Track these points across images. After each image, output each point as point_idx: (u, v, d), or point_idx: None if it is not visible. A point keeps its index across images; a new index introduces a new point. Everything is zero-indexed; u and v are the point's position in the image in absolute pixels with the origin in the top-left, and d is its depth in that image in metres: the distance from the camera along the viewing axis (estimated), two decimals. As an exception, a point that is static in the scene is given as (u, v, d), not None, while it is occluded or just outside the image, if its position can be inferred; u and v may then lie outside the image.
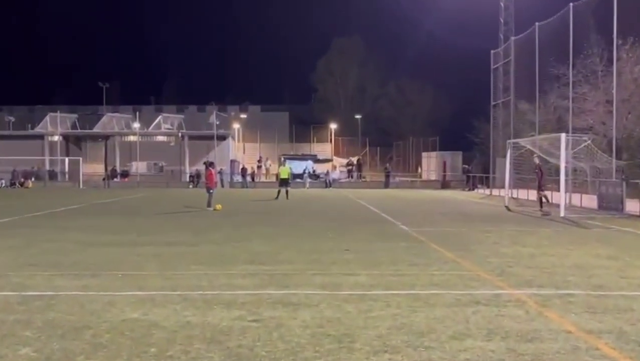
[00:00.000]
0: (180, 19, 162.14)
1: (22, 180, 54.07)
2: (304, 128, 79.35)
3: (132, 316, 7.45)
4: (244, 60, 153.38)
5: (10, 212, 24.08)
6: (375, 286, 9.28)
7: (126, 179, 58.42)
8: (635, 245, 14.65)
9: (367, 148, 77.65)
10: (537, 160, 27.04)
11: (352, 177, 60.61)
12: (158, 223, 19.74)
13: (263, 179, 60.01)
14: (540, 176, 25.85)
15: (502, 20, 47.07)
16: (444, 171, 56.77)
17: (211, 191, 25.94)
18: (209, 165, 27.70)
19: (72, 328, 6.94)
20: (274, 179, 54.64)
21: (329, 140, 77.46)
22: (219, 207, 25.53)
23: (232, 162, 62.94)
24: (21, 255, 12.45)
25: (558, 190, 25.32)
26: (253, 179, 57.40)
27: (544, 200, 25.42)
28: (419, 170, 67.57)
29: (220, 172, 55.28)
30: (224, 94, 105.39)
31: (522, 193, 32.95)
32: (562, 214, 22.89)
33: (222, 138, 63.59)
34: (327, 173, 56.64)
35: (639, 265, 11.55)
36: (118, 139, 64.86)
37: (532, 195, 28.39)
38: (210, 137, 60.92)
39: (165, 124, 67.09)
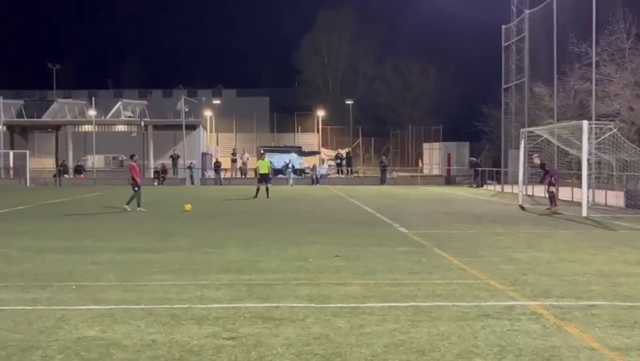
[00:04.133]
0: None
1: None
2: (287, 115, 79.28)
3: (88, 334, 7.43)
4: (216, 37, 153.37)
5: (-55, 214, 23.94)
6: (370, 298, 9.31)
7: (81, 175, 58.15)
8: (668, 249, 14.75)
9: (360, 139, 77.69)
10: (537, 160, 27.24)
11: (342, 172, 60.65)
12: (118, 227, 19.67)
13: (239, 175, 59.92)
14: (545, 173, 26.10)
15: (514, -9, 47.11)
16: (449, 165, 56.91)
17: (136, 189, 25.70)
18: (131, 157, 27.40)
19: (18, 348, 6.92)
20: (252, 175, 54.64)
21: (316, 129, 77.41)
22: (188, 207, 25.49)
23: (204, 155, 62.83)
24: (-42, 264, 12.40)
25: (579, 186, 25.46)
26: (244, 174, 57.58)
27: (553, 196, 25.63)
28: (420, 163, 67.75)
29: (190, 167, 55.24)
30: (193, 76, 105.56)
31: (538, 190, 33.10)
32: (584, 214, 23.01)
33: (192, 127, 63.44)
34: (314, 168, 56.63)
35: (672, 271, 11.64)
36: (71, 129, 64.48)
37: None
38: (178, 127, 60.75)
39: (126, 111, 66.82)
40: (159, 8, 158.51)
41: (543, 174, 26.63)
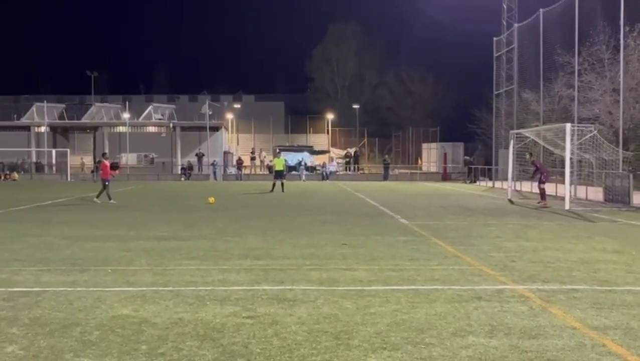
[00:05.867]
0: (171, 6, 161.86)
1: (8, 172, 53.96)
2: (300, 118, 79.35)
3: (122, 313, 7.45)
4: (237, 48, 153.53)
5: (-5, 205, 24.02)
6: (374, 282, 9.29)
7: (116, 172, 58.13)
8: (643, 239, 14.67)
9: (365, 139, 77.67)
10: (528, 156, 27.33)
11: (349, 169, 60.60)
12: (148, 217, 19.72)
13: (258, 172, 60.00)
14: (535, 170, 26.08)
15: (505, 6, 46.94)
16: (445, 163, 56.79)
17: (107, 183, 25.79)
18: (102, 155, 27.69)
19: (60, 325, 6.95)
20: (268, 171, 54.71)
21: (326, 131, 77.40)
22: (211, 200, 25.52)
23: (226, 153, 62.93)
24: (7, 250, 12.43)
25: (562, 182, 25.38)
26: (270, 170, 57.68)
27: (543, 192, 25.52)
28: (419, 161, 67.60)
29: (213, 164, 55.32)
30: (216, 83, 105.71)
31: (526, 186, 33.00)
32: (566, 207, 22.93)
33: (215, 129, 63.54)
34: (324, 166, 56.61)
35: (646, 259, 11.58)
36: (107, 130, 64.68)
37: (536, 187, 28.47)
38: (203, 128, 60.87)
39: (156, 114, 66.99)
40: (186, 22, 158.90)
41: (533, 171, 26.56)
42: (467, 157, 55.08)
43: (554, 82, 38.98)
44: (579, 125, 28.65)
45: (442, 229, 16.33)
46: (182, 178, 53.81)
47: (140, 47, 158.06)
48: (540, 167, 26.40)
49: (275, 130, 76.06)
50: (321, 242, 13.68)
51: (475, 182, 47.66)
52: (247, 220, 18.79)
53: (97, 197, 25.64)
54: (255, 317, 7.26)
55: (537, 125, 35.87)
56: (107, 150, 61.84)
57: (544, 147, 30.69)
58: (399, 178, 56.16)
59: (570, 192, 24.66)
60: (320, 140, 75.68)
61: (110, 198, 25.38)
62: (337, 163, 62.68)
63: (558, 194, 28.08)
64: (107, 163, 26.50)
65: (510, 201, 27.67)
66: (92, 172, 55.61)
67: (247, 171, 57.87)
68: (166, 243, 13.49)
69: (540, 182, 25.51)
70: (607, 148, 27.00)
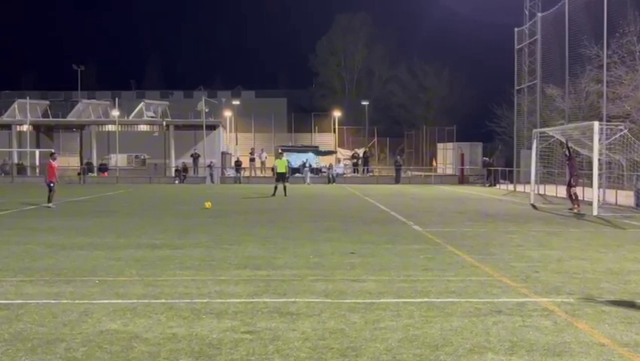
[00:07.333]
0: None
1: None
2: (304, 116, 79.40)
3: (110, 328, 7.47)
4: (235, 39, 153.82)
5: (-27, 210, 24.09)
6: (384, 294, 9.29)
7: (105, 174, 58.43)
8: (677, 248, 14.64)
9: (376, 139, 77.60)
10: (567, 152, 27.03)
11: (358, 171, 60.61)
12: (140, 224, 19.74)
13: (258, 173, 60.03)
14: (568, 160, 25.73)
15: (527, -6, 46.94)
16: (462, 164, 56.76)
17: (51, 185, 25.90)
18: (50, 156, 27.82)
19: (43, 340, 6.96)
20: (269, 173, 54.75)
21: (332, 129, 77.39)
22: (208, 204, 25.56)
23: (224, 154, 63.00)
24: (-14, 259, 12.48)
25: (590, 185, 25.33)
26: (275, 173, 57.70)
27: (576, 196, 25.32)
28: (434, 163, 67.57)
29: (210, 166, 55.38)
30: (213, 78, 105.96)
31: (550, 190, 32.95)
32: (594, 213, 22.88)
33: (212, 127, 63.62)
34: (330, 167, 56.63)
35: (682, 269, 11.55)
36: (95, 129, 64.84)
37: (562, 191, 28.37)
38: (199, 127, 60.98)
39: (148, 112, 67.10)
40: (180, 12, 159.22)
41: (567, 160, 25.87)
42: (486, 158, 54.99)
43: (581, 76, 38.93)
44: (608, 123, 28.60)
45: (459, 236, 16.32)
46: (176, 181, 53.82)
47: (130, 39, 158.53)
48: (573, 164, 25.76)
49: (278, 129, 76.06)
50: (327, 250, 13.68)
51: (494, 185, 47.62)
52: (247, 226, 18.80)
53: (49, 201, 25.71)
54: (254, 332, 7.27)
55: (562, 124, 35.84)
56: (95, 150, 62.29)
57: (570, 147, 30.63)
58: (411, 181, 56.14)
59: (598, 197, 24.60)
60: (326, 140, 75.64)
61: (49, 201, 25.63)
62: (345, 164, 62.67)
63: (585, 198, 28.04)
64: (55, 164, 26.63)
65: (533, 206, 27.62)
66: (79, 174, 55.85)
67: (246, 173, 57.88)
68: (159, 251, 13.51)
69: (570, 185, 25.27)
70: (638, 148, 26.93)
